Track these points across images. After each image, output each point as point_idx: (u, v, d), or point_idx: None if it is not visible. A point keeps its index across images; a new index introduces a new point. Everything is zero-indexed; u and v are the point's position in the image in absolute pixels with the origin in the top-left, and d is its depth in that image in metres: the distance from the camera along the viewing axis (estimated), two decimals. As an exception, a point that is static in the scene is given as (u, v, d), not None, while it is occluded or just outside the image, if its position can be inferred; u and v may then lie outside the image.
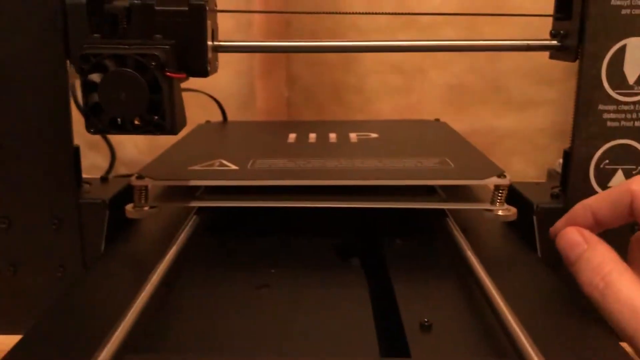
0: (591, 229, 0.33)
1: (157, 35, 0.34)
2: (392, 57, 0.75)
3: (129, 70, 0.33)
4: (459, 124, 0.76)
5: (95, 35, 0.34)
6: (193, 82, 0.38)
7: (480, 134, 0.79)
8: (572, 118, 0.40)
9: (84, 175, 0.79)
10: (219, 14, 0.40)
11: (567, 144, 0.41)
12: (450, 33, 0.73)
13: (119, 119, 0.34)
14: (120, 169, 0.86)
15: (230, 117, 0.67)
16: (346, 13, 0.43)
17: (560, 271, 0.37)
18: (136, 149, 0.81)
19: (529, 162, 0.79)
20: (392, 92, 0.78)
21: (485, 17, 0.70)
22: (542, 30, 0.44)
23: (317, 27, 0.75)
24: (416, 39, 0.42)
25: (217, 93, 0.68)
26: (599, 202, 0.33)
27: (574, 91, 0.40)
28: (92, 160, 0.84)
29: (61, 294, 0.34)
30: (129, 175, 0.41)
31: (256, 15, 0.70)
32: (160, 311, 0.31)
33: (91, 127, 0.34)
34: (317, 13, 0.60)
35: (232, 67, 0.78)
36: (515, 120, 0.78)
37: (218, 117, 0.67)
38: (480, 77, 0.77)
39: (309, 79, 0.79)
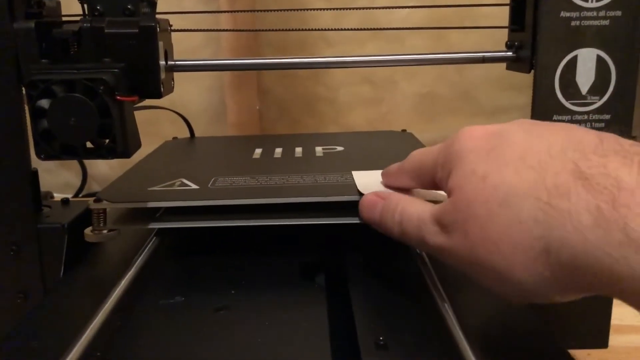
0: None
1: (106, 59, 0.34)
2: (363, 68, 0.76)
3: (77, 95, 0.33)
4: (429, 133, 0.76)
5: (44, 60, 0.34)
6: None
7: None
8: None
9: (56, 194, 0.79)
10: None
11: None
12: (417, 41, 0.73)
13: (70, 144, 0.34)
14: (93, 186, 0.85)
15: (201, 132, 0.67)
16: (315, 30, 0.43)
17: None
18: (107, 165, 0.80)
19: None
20: (363, 103, 0.78)
21: (452, 25, 0.71)
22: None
23: (285, 39, 0.75)
24: (378, 54, 0.42)
25: (188, 108, 0.68)
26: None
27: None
28: (65, 178, 0.84)
29: (16, 322, 0.33)
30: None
31: (224, 27, 0.70)
32: (115, 336, 0.31)
33: (41, 153, 0.34)
34: (285, 30, 0.60)
35: (202, 82, 0.78)
36: (486, 127, 0.79)
37: (189, 133, 0.67)
38: (449, 86, 0.77)
39: (280, 91, 0.80)
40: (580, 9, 0.37)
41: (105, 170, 0.82)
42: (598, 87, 0.38)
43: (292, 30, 0.44)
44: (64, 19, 0.45)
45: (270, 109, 0.80)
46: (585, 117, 0.39)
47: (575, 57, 0.38)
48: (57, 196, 0.80)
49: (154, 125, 0.74)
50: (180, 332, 0.32)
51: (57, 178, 0.83)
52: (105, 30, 0.35)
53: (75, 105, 0.33)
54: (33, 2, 0.40)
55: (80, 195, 0.81)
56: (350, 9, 0.48)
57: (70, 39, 0.35)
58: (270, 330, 0.32)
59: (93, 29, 0.35)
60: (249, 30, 0.64)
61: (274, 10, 0.57)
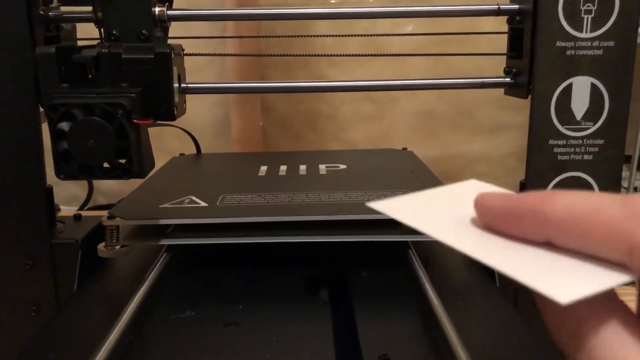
0: None
1: (124, 84, 0.36)
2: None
3: (96, 118, 0.34)
4: (430, 150, 0.78)
5: (64, 85, 0.36)
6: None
7: (451, 159, 0.81)
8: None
9: (63, 207, 0.80)
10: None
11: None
12: (418, 61, 0.75)
13: (88, 165, 0.35)
14: (98, 199, 0.87)
15: (206, 147, 0.69)
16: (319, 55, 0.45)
17: (517, 302, 0.38)
18: (114, 179, 0.82)
19: (499, 185, 0.81)
20: (364, 120, 0.80)
21: (452, 46, 0.72)
22: (504, 58, 0.46)
23: (289, 57, 0.77)
24: (380, 79, 0.44)
25: (193, 123, 0.70)
26: None
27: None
28: (71, 191, 0.85)
29: (31, 337, 0.35)
30: (106, 206, 0.42)
31: (230, 49, 0.72)
32: (128, 353, 0.32)
33: (61, 173, 0.35)
34: (290, 56, 0.62)
35: (207, 98, 0.80)
36: (485, 145, 0.80)
37: (194, 148, 0.68)
38: (449, 104, 0.79)
39: (283, 108, 0.81)
40: (575, 39, 0.39)
41: (110, 183, 0.83)
42: (592, 114, 0.40)
43: (297, 55, 0.46)
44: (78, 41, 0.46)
45: (273, 125, 0.82)
46: (580, 142, 0.40)
47: (571, 85, 0.40)
48: (64, 209, 0.81)
49: (160, 140, 0.76)
50: (191, 347, 0.33)
51: (63, 191, 0.84)
52: (123, 56, 0.37)
53: (94, 128, 0.34)
54: (51, 26, 0.42)
55: (86, 208, 0.82)
56: (352, 36, 0.50)
57: (89, 63, 0.37)
58: (277, 345, 0.33)
59: (111, 55, 0.37)
60: (256, 55, 0.66)
61: (279, 37, 0.59)
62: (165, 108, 0.38)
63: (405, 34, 0.66)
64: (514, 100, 0.79)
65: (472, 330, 0.35)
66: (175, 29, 0.42)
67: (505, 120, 0.80)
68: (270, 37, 0.65)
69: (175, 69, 0.38)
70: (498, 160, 0.81)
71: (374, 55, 0.43)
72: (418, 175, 0.52)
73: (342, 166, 0.55)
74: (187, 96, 0.43)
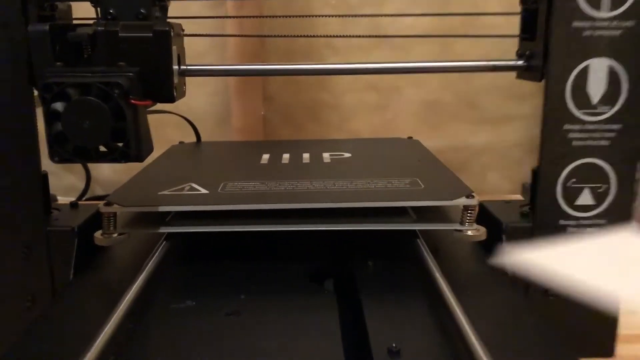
0: None
1: (121, 63, 0.34)
2: (368, 75, 0.76)
3: (92, 98, 0.33)
4: (434, 140, 0.76)
5: (58, 63, 0.34)
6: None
7: (456, 150, 0.79)
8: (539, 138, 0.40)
9: (60, 197, 0.78)
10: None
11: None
12: (422, 50, 0.73)
13: (83, 147, 0.34)
14: (96, 189, 0.85)
15: (206, 136, 0.67)
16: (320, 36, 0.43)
17: (528, 291, 0.37)
18: (111, 169, 0.80)
19: (504, 177, 0.80)
20: (368, 110, 0.78)
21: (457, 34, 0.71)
22: (514, 46, 0.44)
23: (291, 46, 0.75)
24: (386, 62, 0.42)
25: (193, 112, 0.68)
26: None
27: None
28: (68, 181, 0.84)
29: (27, 326, 0.33)
30: (104, 197, 0.41)
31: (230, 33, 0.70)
32: (127, 342, 0.31)
33: (55, 155, 0.34)
34: (292, 37, 0.60)
35: (207, 86, 0.78)
36: (490, 136, 0.79)
37: (194, 137, 0.67)
38: (454, 94, 0.77)
39: (285, 97, 0.80)
40: (592, 19, 0.37)
41: (109, 174, 0.81)
42: (609, 97, 0.38)
43: (300, 36, 0.44)
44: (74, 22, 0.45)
45: (274, 114, 0.80)
46: (596, 126, 0.39)
47: (587, 67, 0.38)
48: (61, 199, 0.80)
49: (159, 129, 0.74)
50: (192, 337, 0.32)
51: (61, 181, 0.82)
52: (120, 34, 0.35)
53: (90, 108, 0.33)
54: (46, 5, 0.40)
55: (83, 199, 0.81)
56: (357, 16, 0.48)
57: (85, 42, 0.35)
58: (281, 336, 0.32)
59: (107, 33, 0.35)
60: (257, 36, 0.64)
61: (282, 17, 0.57)
62: (164, 89, 0.36)
63: (411, 14, 0.65)
64: (519, 91, 0.77)
65: (484, 320, 0.33)
66: (173, 10, 0.41)
67: (510, 111, 0.79)
68: (272, 17, 0.63)
69: (174, 48, 0.37)
70: (503, 152, 0.80)
71: (380, 36, 0.42)
72: (424, 164, 0.51)
73: (347, 154, 0.54)
74: (187, 84, 0.42)
